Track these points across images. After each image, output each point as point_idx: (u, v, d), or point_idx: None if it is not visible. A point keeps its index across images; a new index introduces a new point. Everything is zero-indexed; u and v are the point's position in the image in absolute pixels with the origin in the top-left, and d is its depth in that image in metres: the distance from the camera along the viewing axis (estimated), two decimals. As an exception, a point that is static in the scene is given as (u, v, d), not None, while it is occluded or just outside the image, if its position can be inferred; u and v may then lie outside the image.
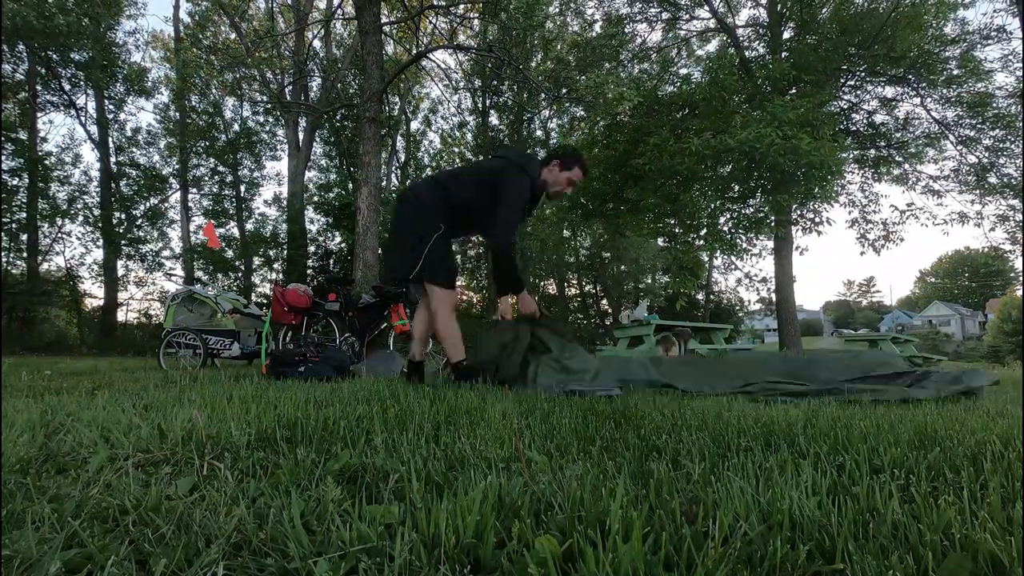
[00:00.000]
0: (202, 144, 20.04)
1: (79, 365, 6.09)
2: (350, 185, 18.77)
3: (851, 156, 13.46)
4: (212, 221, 19.35)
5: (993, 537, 0.70)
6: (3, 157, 14.55)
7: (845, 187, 14.27)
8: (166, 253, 19.92)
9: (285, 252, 17.28)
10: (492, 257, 2.95)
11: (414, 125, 23.80)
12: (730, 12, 14.26)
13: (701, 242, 12.82)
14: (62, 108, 16.62)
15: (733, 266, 23.03)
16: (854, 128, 13.89)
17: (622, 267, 24.25)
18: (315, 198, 17.04)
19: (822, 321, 69.06)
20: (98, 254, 18.17)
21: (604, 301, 25.32)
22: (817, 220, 13.01)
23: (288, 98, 15.64)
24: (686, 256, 12.73)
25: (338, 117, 19.11)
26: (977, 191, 13.66)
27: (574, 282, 26.30)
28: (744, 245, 12.13)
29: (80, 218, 17.46)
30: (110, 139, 18.08)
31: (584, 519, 0.78)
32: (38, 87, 15.88)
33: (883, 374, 2.96)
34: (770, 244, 13.54)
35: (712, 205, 11.97)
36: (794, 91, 11.78)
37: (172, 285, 20.95)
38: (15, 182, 15.33)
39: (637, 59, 14.96)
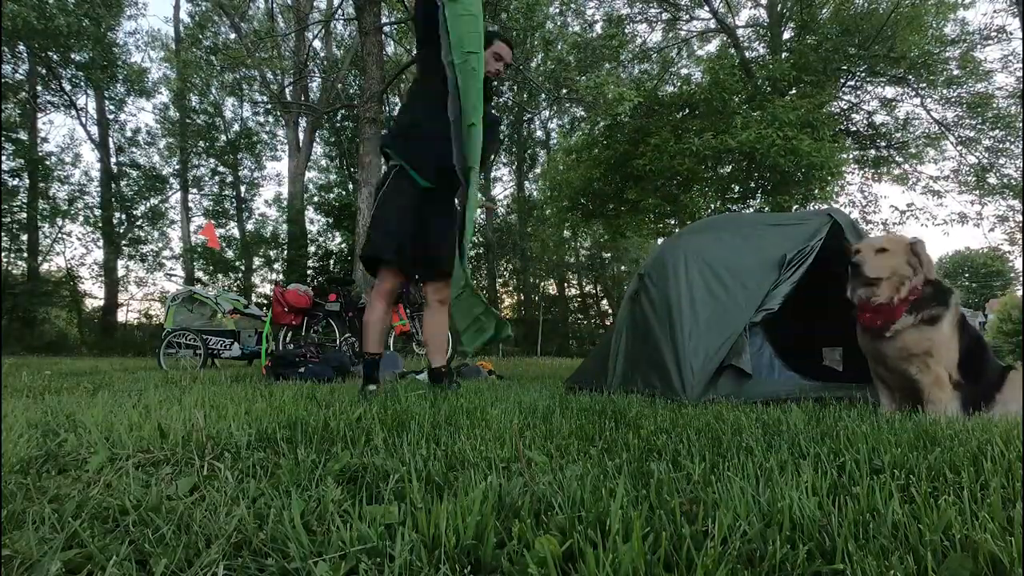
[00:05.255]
0: (202, 144, 20.06)
1: (79, 365, 6.09)
2: (350, 185, 18.79)
3: (851, 156, 13.47)
4: (212, 221, 19.37)
5: (993, 537, 0.70)
6: (3, 157, 14.58)
7: (845, 187, 14.29)
8: (166, 253, 19.99)
9: (285, 252, 17.30)
10: None
11: (414, 125, 23.78)
12: (730, 12, 14.27)
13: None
14: (62, 108, 16.67)
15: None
16: (854, 128, 13.90)
17: (622, 267, 24.25)
18: (315, 198, 17.09)
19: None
20: (98, 254, 18.22)
21: (604, 302, 25.33)
22: (817, 220, 13.00)
23: (288, 98, 15.63)
24: None
25: (338, 117, 19.12)
26: (977, 191, 13.67)
27: (574, 282, 26.31)
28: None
29: (80, 218, 17.51)
30: (110, 139, 18.12)
31: (584, 519, 0.78)
32: (38, 87, 15.90)
33: None
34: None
35: (712, 205, 11.97)
36: (794, 91, 11.79)
37: (172, 285, 21.00)
38: (15, 182, 15.35)
39: (637, 59, 14.97)
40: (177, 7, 18.74)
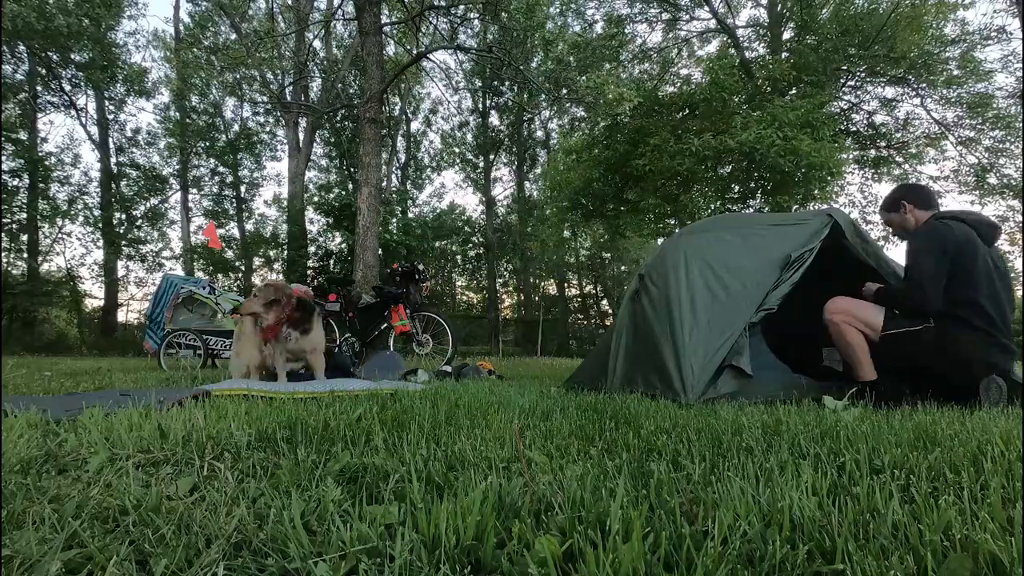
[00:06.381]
0: (202, 144, 20.06)
1: (79, 365, 6.09)
2: (350, 185, 18.79)
3: (851, 156, 13.46)
4: (213, 222, 19.38)
5: (993, 537, 0.70)
6: (3, 157, 14.57)
7: (845, 187, 14.28)
8: (166, 253, 19.98)
9: (285, 252, 17.29)
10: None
11: (414, 125, 23.85)
12: (730, 12, 14.27)
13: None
14: (62, 109, 16.65)
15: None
16: (854, 128, 13.90)
17: (623, 268, 24.25)
18: (315, 198, 17.05)
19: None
20: (98, 254, 18.22)
21: (604, 302, 25.31)
22: (817, 221, 12.98)
23: (288, 98, 15.64)
24: None
25: (338, 117, 19.12)
26: (977, 191, 13.66)
27: (574, 282, 26.30)
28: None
29: (80, 218, 17.50)
30: (110, 139, 18.11)
31: (584, 519, 0.78)
32: (38, 88, 15.89)
33: None
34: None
35: (712, 206, 11.97)
36: (794, 92, 11.79)
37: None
38: (15, 182, 15.34)
39: (637, 60, 14.97)
40: (177, 7, 18.79)
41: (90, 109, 17.37)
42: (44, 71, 15.61)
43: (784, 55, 12.33)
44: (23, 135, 15.66)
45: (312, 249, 16.95)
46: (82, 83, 16.22)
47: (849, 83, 13.02)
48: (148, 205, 19.09)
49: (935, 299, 2.37)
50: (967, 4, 11.95)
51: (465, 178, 25.76)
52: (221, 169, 21.05)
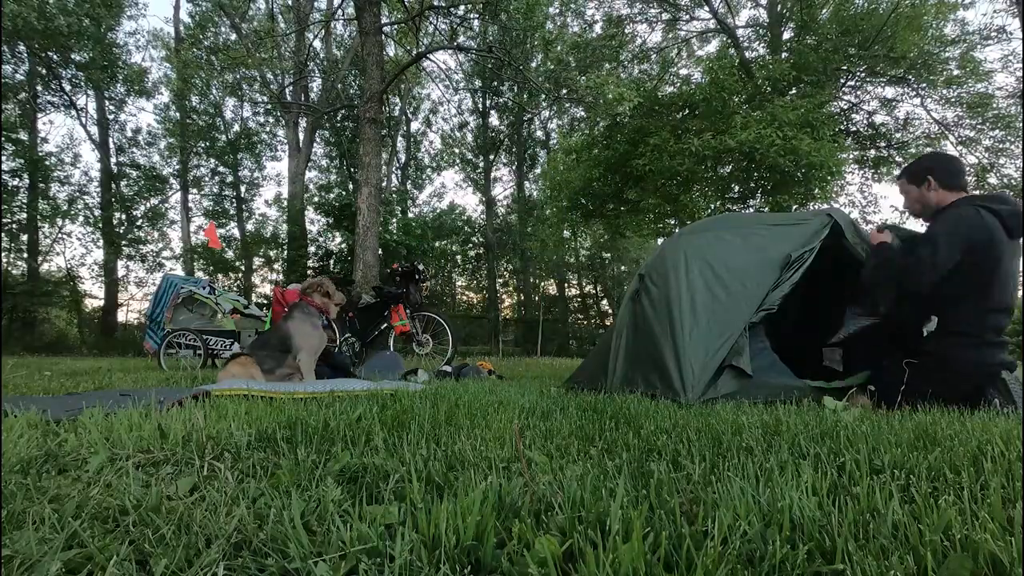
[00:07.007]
0: (202, 144, 20.06)
1: (79, 365, 6.09)
2: (350, 185, 18.79)
3: (851, 156, 13.46)
4: (213, 221, 19.39)
5: (993, 537, 0.70)
6: (3, 157, 14.57)
7: (845, 187, 14.28)
8: (166, 253, 19.99)
9: (285, 252, 17.30)
10: None
11: (414, 126, 23.86)
12: (730, 13, 14.27)
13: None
14: (62, 108, 16.67)
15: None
16: (854, 128, 13.89)
17: (623, 268, 24.25)
18: (315, 198, 17.06)
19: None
20: (98, 254, 18.23)
21: (604, 302, 25.31)
22: (817, 220, 12.98)
23: (288, 98, 15.64)
24: None
25: (338, 117, 19.11)
26: (977, 191, 13.65)
27: (574, 282, 26.29)
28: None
29: (80, 218, 17.51)
30: (110, 139, 18.12)
31: (584, 519, 0.78)
32: (38, 88, 15.90)
33: None
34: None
35: (712, 206, 11.97)
36: (794, 91, 11.78)
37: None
38: (15, 182, 15.35)
39: (637, 60, 14.97)
40: (177, 7, 18.80)
41: (90, 109, 17.39)
42: (44, 71, 15.62)
43: (784, 55, 12.33)
44: (23, 135, 15.67)
45: (312, 249, 16.96)
46: (82, 83, 16.23)
47: (849, 83, 13.01)
48: (148, 205, 19.10)
49: (931, 285, 2.27)
50: (967, 4, 11.95)
51: (465, 178, 25.80)
52: (221, 169, 21.06)
